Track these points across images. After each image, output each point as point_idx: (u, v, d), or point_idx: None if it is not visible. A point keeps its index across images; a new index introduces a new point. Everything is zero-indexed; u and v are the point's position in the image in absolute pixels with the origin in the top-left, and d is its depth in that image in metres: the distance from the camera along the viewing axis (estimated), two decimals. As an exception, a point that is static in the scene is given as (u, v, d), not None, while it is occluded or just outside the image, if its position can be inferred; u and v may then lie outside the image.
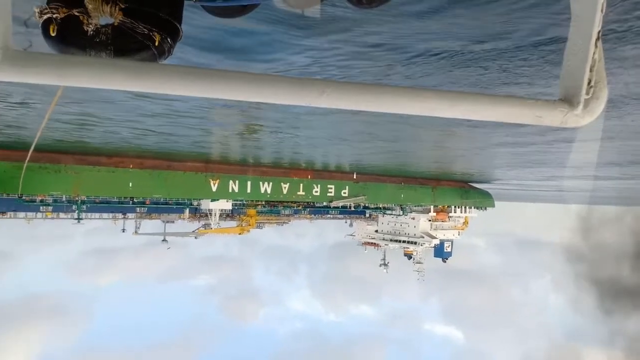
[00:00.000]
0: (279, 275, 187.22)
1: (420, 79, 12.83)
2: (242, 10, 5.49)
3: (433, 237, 66.24)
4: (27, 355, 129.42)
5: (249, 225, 54.73)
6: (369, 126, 22.86)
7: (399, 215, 62.39)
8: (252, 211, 53.15)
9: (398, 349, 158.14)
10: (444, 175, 52.56)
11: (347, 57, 11.43)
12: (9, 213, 41.68)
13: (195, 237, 55.70)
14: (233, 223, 54.78)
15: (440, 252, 69.57)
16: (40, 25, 4.02)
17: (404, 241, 67.04)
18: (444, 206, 63.81)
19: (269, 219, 57.10)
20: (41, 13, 3.92)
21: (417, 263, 71.28)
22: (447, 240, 69.06)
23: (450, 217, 67.43)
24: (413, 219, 65.09)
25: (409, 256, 71.40)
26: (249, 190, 42.98)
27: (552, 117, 2.16)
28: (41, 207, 40.20)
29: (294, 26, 9.63)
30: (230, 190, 42.04)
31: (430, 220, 65.65)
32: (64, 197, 36.98)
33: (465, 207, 65.40)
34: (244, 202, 48.90)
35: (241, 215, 54.01)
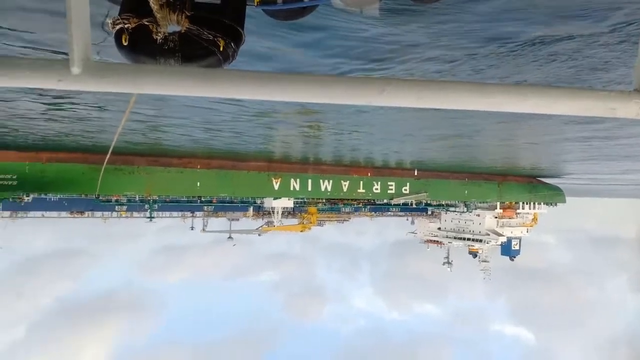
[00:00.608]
0: (341, 272, 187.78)
1: (485, 72, 12.50)
2: (301, 12, 5.61)
3: (500, 235, 64.06)
4: (105, 349, 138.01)
5: (310, 222, 55.41)
6: (430, 121, 22.48)
7: (463, 212, 60.77)
8: (313, 209, 53.75)
9: (465, 349, 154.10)
10: (511, 170, 50.59)
11: (407, 53, 11.34)
12: (87, 213, 44.73)
13: (259, 235, 57.19)
14: (295, 221, 55.67)
15: (507, 250, 67.23)
16: (113, 35, 4.35)
17: (468, 239, 65.32)
18: (511, 202, 61.41)
19: (329, 217, 57.50)
20: (114, 24, 4.24)
21: (482, 261, 69.25)
22: (515, 238, 66.57)
23: (518, 213, 64.92)
24: (478, 215, 63.22)
25: (474, 254, 69.51)
26: (309, 189, 43.43)
27: (627, 109, 2.07)
28: (116, 207, 42.83)
29: (353, 26, 9.70)
30: (291, 189, 42.68)
31: (496, 217, 63.51)
32: (137, 197, 39.12)
33: (534, 203, 62.63)
34: (305, 200, 49.49)
35: (302, 213, 54.77)
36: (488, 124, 22.54)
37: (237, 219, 54.99)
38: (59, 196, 37.23)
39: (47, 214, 42.81)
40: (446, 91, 2.06)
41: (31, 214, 42.55)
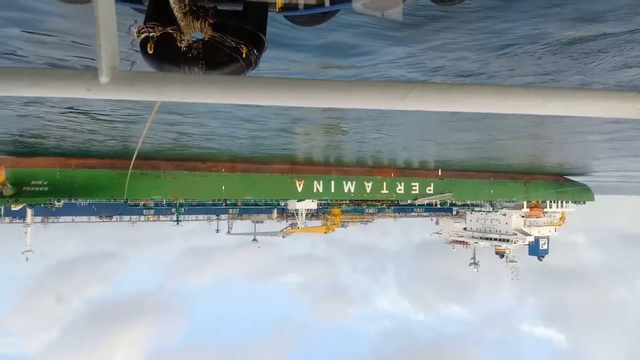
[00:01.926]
0: (366, 273, 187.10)
1: (512, 74, 12.34)
2: (323, 17, 5.63)
3: (527, 234, 62.92)
4: (135, 350, 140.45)
5: (334, 224, 55.42)
6: (454, 120, 22.26)
7: (489, 211, 59.93)
8: (336, 210, 53.76)
9: (494, 351, 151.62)
10: (537, 169, 49.64)
11: (432, 56, 11.26)
12: (115, 217, 45.80)
13: (283, 237, 57.46)
14: (318, 222, 55.77)
15: (535, 249, 65.97)
16: (138, 44, 4.47)
17: (495, 239, 64.31)
18: (537, 201, 60.29)
19: (352, 218, 57.40)
20: (139, 32, 4.36)
21: (510, 262, 68.04)
22: (543, 237, 65.29)
23: (545, 212, 63.71)
24: (504, 215, 62.23)
25: (501, 254, 68.39)
26: (332, 190, 43.43)
27: None
28: (144, 211, 43.72)
29: (376, 29, 9.68)
30: (314, 191, 42.77)
31: (523, 217, 62.42)
32: (164, 200, 39.80)
33: (561, 202, 61.30)
34: (329, 202, 49.52)
35: (326, 215, 54.83)
36: (513, 123, 22.20)
37: (262, 221, 55.45)
38: (88, 201, 38.17)
39: (77, 218, 43.99)
40: (470, 94, 2.07)
41: (62, 218, 43.78)
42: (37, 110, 19.51)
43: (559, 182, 56.00)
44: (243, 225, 56.29)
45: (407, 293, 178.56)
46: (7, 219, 41.80)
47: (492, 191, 50.75)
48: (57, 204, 35.24)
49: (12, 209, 36.07)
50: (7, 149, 29.55)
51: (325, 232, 55.53)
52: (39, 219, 42.37)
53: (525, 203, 59.86)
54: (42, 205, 34.82)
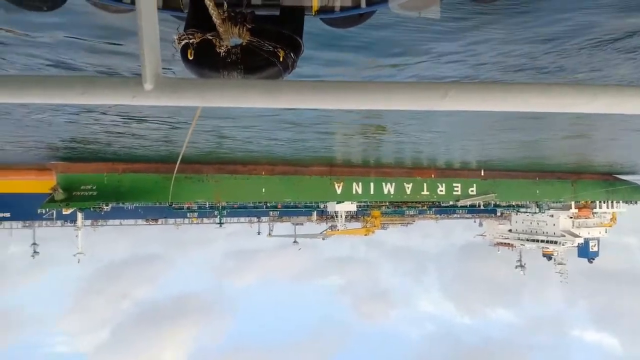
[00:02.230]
0: (408, 276, 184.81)
1: (555, 72, 11.94)
2: (359, 18, 5.61)
3: (576, 236, 60.71)
4: (182, 350, 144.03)
5: (374, 226, 55.10)
6: (497, 119, 21.74)
7: (535, 212, 58.07)
8: (376, 212, 53.44)
9: (543, 355, 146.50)
10: (585, 168, 47.76)
11: (471, 55, 11.04)
12: (160, 220, 47.18)
13: (323, 239, 57.65)
14: (358, 224, 55.60)
15: (585, 251, 63.60)
16: (179, 51, 4.57)
17: (542, 241, 62.33)
18: (586, 201, 58.04)
19: (392, 220, 56.90)
20: (179, 39, 4.47)
21: (558, 264, 65.85)
22: (593, 239, 62.92)
23: (595, 213, 61.37)
24: (552, 216, 60.27)
25: (548, 257, 66.34)
26: (372, 192, 43.18)
27: None
28: (188, 214, 44.83)
29: (413, 29, 9.57)
30: (354, 192, 42.66)
31: (571, 218, 60.29)
32: (207, 203, 40.66)
33: (611, 202, 58.78)
34: (368, 204, 49.26)
35: (365, 217, 54.58)
36: (560, 120, 21.48)
37: (302, 224, 55.81)
38: (134, 205, 39.44)
39: (125, 221, 45.59)
40: (511, 93, 2.02)
41: (110, 222, 45.50)
42: (86, 117, 20.34)
43: (609, 182, 53.70)
44: (283, 227, 56.89)
45: (451, 296, 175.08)
46: (59, 223, 43.77)
47: (538, 191, 49.16)
48: (105, 207, 36.54)
49: (63, 213, 37.69)
50: (59, 155, 30.93)
51: (365, 234, 55.31)
52: (88, 222, 44.19)
53: (573, 203, 57.74)
54: (91, 209, 36.19)
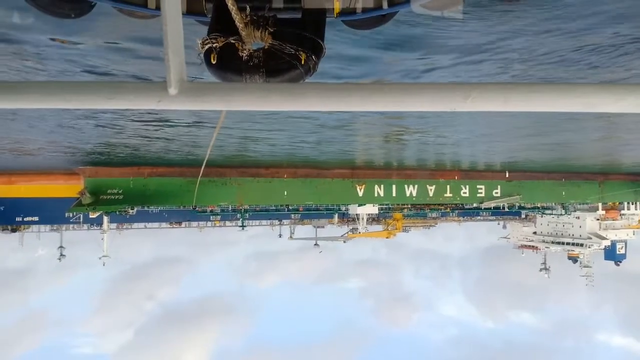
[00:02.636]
0: (430, 279, 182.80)
1: (585, 72, 11.71)
2: (381, 20, 5.59)
3: (603, 238, 59.44)
4: (205, 350, 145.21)
5: (396, 228, 54.76)
6: (522, 120, 21.43)
7: (561, 214, 56.95)
8: (398, 215, 53.08)
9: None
10: (613, 168, 46.72)
11: (497, 54, 10.89)
12: (184, 223, 47.72)
13: (344, 242, 57.49)
14: (379, 227, 55.30)
15: (612, 254, 62.24)
16: (202, 55, 4.62)
17: (567, 243, 61.17)
18: (614, 203, 56.76)
19: (414, 222, 56.48)
20: (203, 44, 4.51)
21: (584, 267, 64.52)
22: (620, 241, 61.58)
23: (623, 215, 59.97)
24: (578, 218, 59.13)
25: (574, 259, 65.10)
26: (394, 194, 42.95)
27: None
28: (211, 217, 45.23)
29: (436, 30, 9.49)
30: (376, 195, 42.49)
31: (598, 219, 59.08)
32: (230, 207, 40.96)
33: (640, 203, 57.42)
34: (390, 206, 49.00)
35: (387, 219, 54.27)
36: (586, 121, 21.07)
37: (323, 226, 55.81)
38: (159, 208, 39.96)
39: (149, 224, 46.21)
40: (535, 94, 2.00)
41: (135, 225, 46.15)
42: (115, 123, 20.71)
43: (637, 182, 52.42)
44: (304, 230, 56.97)
45: (474, 299, 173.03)
46: (85, 226, 44.57)
47: (564, 193, 48.27)
48: (131, 211, 37.10)
49: (90, 216, 38.37)
50: (86, 159, 31.51)
51: (387, 237, 54.97)
52: (114, 225, 44.89)
53: (600, 205, 56.49)
54: (117, 212, 36.78)
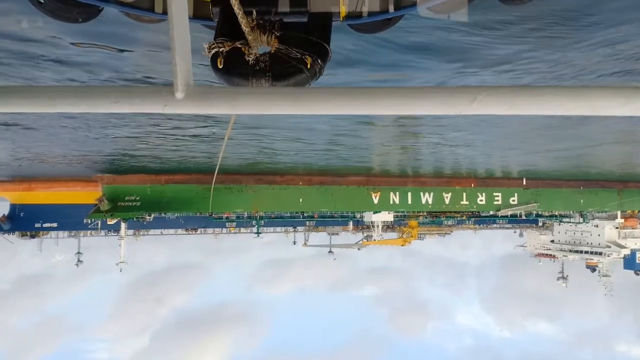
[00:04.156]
0: (445, 287, 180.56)
1: (594, 78, 11.58)
2: (387, 23, 5.58)
3: (622, 247, 58.23)
4: (217, 357, 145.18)
5: (411, 236, 54.37)
6: (539, 127, 21.20)
7: (579, 223, 56.06)
8: (413, 222, 52.72)
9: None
10: (632, 176, 45.93)
11: (502, 56, 10.81)
12: (200, 229, 47.93)
13: (358, 249, 57.20)
14: (394, 234, 54.94)
15: (631, 263, 60.95)
16: (209, 59, 4.64)
17: (586, 252, 60.10)
18: (633, 211, 55.75)
19: (430, 230, 56.04)
20: (209, 48, 4.54)
21: (603, 276, 63.29)
22: (640, 250, 60.17)
23: (643, 223, 58.68)
24: (596, 226, 58.10)
25: (592, 268, 63.91)
26: (409, 202, 42.66)
27: None
28: (227, 224, 45.39)
29: (442, 33, 9.45)
30: (391, 202, 42.25)
31: (617, 228, 57.94)
32: (245, 213, 41.09)
33: (661, 212, 56.25)
34: (406, 214, 48.71)
35: (402, 227, 53.92)
36: (603, 127, 20.79)
37: (337, 233, 55.61)
38: (176, 215, 40.25)
39: (165, 231, 46.53)
40: (541, 97, 1.97)
41: (151, 231, 46.48)
42: (130, 130, 20.98)
43: (657, 190, 51.49)
44: (319, 237, 56.80)
45: (490, 308, 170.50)
46: (103, 232, 45.02)
47: (582, 201, 47.53)
48: (148, 218, 37.40)
49: (108, 223, 38.75)
50: (105, 167, 31.93)
51: (402, 245, 54.61)
52: (131, 232, 45.26)
53: (619, 213, 55.55)
54: (134, 219, 37.09)
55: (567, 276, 68.34)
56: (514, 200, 45.01)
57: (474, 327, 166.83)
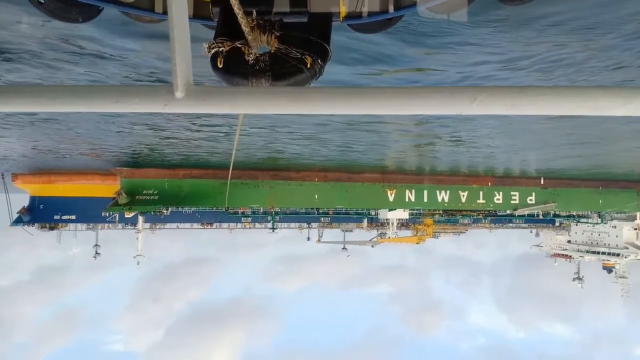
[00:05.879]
0: (460, 286, 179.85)
1: (594, 78, 11.43)
2: (387, 23, 5.56)
3: (640, 248, 57.47)
4: (232, 352, 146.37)
5: (426, 234, 54.16)
6: (556, 126, 20.96)
7: (597, 223, 55.32)
8: (429, 220, 52.49)
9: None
10: (652, 176, 45.24)
11: (502, 58, 10.71)
12: (215, 224, 48.25)
13: (372, 246, 57.17)
14: (408, 232, 54.77)
15: (649, 265, 60.08)
16: (209, 59, 4.65)
17: (603, 253, 59.36)
18: (653, 212, 54.88)
19: (445, 228, 55.74)
20: (209, 48, 4.56)
21: (620, 277, 62.50)
22: (659, 252, 59.24)
23: (662, 225, 57.74)
24: (614, 227, 57.38)
25: (609, 269, 63.17)
26: (425, 200, 42.39)
27: None
28: (242, 219, 45.65)
29: (442, 33, 9.40)
30: (406, 200, 42.03)
31: (635, 229, 57.14)
32: (261, 209, 41.27)
33: (681, 213, 55.25)
34: (421, 212, 48.48)
35: (417, 225, 53.72)
36: (620, 127, 20.51)
37: (351, 230, 55.58)
38: (192, 209, 40.56)
39: (181, 225, 46.92)
40: (541, 97, 1.97)
41: (168, 225, 46.90)
42: (150, 126, 21.20)
43: (678, 191, 50.54)
44: (332, 233, 56.86)
45: (505, 308, 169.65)
46: (120, 226, 45.56)
47: (601, 201, 46.84)
48: (165, 212, 37.73)
49: (125, 216, 39.19)
50: (123, 161, 32.29)
51: (417, 243, 54.44)
52: (147, 225, 45.72)
53: (638, 214, 54.72)
54: (152, 213, 37.44)
55: (582, 277, 67.64)
56: (531, 200, 44.50)
57: (488, 326, 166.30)
